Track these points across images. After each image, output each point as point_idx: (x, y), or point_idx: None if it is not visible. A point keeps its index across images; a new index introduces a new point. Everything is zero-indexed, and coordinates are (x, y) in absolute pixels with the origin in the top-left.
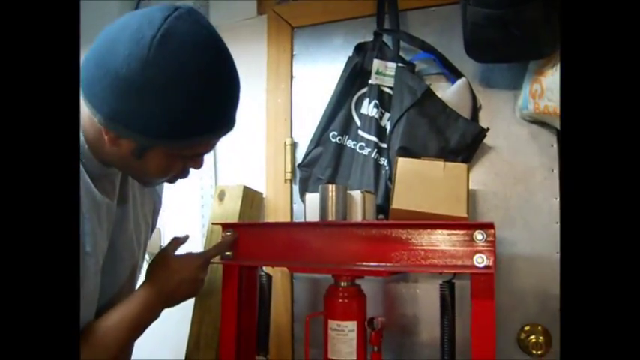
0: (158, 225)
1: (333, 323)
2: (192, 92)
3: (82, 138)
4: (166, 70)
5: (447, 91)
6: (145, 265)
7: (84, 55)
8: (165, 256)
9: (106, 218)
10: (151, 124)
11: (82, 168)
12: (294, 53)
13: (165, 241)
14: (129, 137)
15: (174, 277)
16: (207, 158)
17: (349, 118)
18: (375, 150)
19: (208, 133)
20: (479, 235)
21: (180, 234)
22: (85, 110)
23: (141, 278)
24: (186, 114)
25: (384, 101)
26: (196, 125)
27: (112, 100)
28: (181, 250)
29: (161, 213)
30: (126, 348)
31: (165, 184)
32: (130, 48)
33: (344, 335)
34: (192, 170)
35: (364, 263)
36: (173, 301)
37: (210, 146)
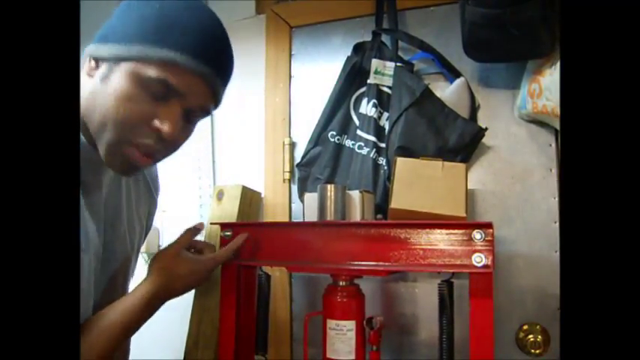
0: (157, 225)
1: (331, 323)
2: (174, 8)
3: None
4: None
5: (446, 91)
6: (143, 264)
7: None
8: (176, 254)
9: (99, 217)
10: (123, 31)
11: None
12: (292, 53)
13: (163, 241)
14: (103, 55)
15: (180, 280)
16: (205, 157)
17: (348, 118)
18: (374, 149)
19: (177, 51)
20: (477, 235)
21: (179, 233)
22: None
23: (135, 280)
24: (159, 21)
25: (382, 101)
26: (167, 36)
27: (102, 30)
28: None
29: (160, 213)
30: (123, 343)
31: (161, 185)
32: None
33: (342, 335)
34: (190, 171)
35: (363, 263)
36: (173, 297)
37: (181, 84)
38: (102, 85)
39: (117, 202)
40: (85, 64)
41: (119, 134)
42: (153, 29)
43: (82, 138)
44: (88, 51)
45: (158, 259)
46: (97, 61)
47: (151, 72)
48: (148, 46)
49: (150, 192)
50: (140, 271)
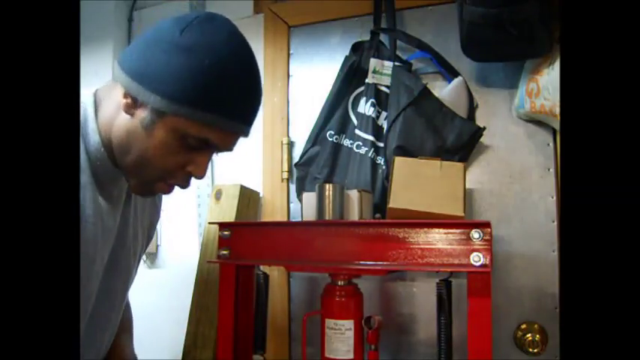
0: None
1: (330, 322)
2: (221, 67)
3: (97, 139)
4: (204, 37)
5: (444, 90)
6: (141, 265)
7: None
8: None
9: (109, 225)
10: (170, 84)
11: (90, 174)
12: (290, 52)
13: (161, 240)
14: (144, 101)
15: None
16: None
17: (346, 117)
18: (372, 149)
19: (223, 116)
20: (475, 234)
21: (177, 233)
22: (103, 96)
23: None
24: (208, 84)
25: (380, 100)
26: (214, 100)
27: (140, 59)
28: (177, 253)
29: None
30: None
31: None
32: (173, 22)
33: (341, 334)
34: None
35: (361, 262)
36: None
37: (219, 140)
38: (143, 132)
39: (127, 212)
40: (118, 93)
41: (155, 176)
42: (202, 92)
43: (105, 155)
44: (120, 80)
45: None
46: (134, 99)
47: (196, 131)
48: (198, 109)
49: (154, 203)
50: (140, 273)
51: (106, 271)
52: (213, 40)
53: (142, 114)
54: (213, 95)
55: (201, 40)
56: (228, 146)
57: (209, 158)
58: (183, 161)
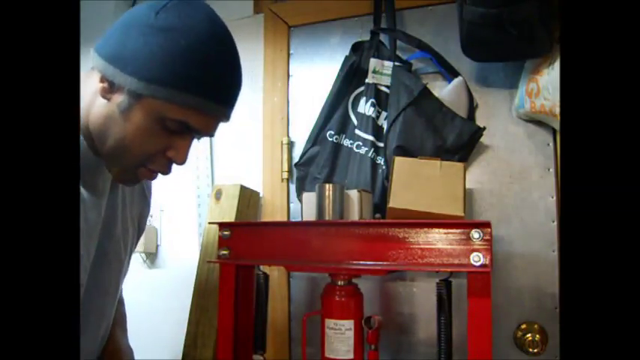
0: (155, 224)
1: (330, 322)
2: (198, 48)
3: None
4: (180, 19)
5: (444, 90)
6: (141, 263)
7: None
8: None
9: (94, 217)
10: (146, 65)
11: None
12: (290, 52)
13: (161, 240)
14: (121, 84)
15: None
16: (203, 156)
17: (346, 117)
18: (372, 149)
19: (202, 98)
20: (475, 234)
21: (177, 233)
22: (83, 84)
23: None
24: (185, 64)
25: (380, 100)
26: (193, 82)
27: (115, 42)
28: (177, 253)
29: (158, 212)
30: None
31: (159, 185)
32: (148, 5)
33: (341, 334)
34: (188, 170)
35: (361, 262)
36: None
37: (199, 123)
38: (121, 116)
39: (113, 203)
40: (94, 80)
41: (135, 162)
42: (181, 74)
43: (85, 145)
44: (97, 65)
45: None
46: (111, 82)
47: (174, 114)
48: (176, 90)
49: (143, 194)
50: (135, 271)
51: (94, 265)
52: (189, 21)
53: (119, 98)
54: (191, 76)
55: (177, 21)
56: (209, 131)
57: (189, 143)
58: (163, 146)
